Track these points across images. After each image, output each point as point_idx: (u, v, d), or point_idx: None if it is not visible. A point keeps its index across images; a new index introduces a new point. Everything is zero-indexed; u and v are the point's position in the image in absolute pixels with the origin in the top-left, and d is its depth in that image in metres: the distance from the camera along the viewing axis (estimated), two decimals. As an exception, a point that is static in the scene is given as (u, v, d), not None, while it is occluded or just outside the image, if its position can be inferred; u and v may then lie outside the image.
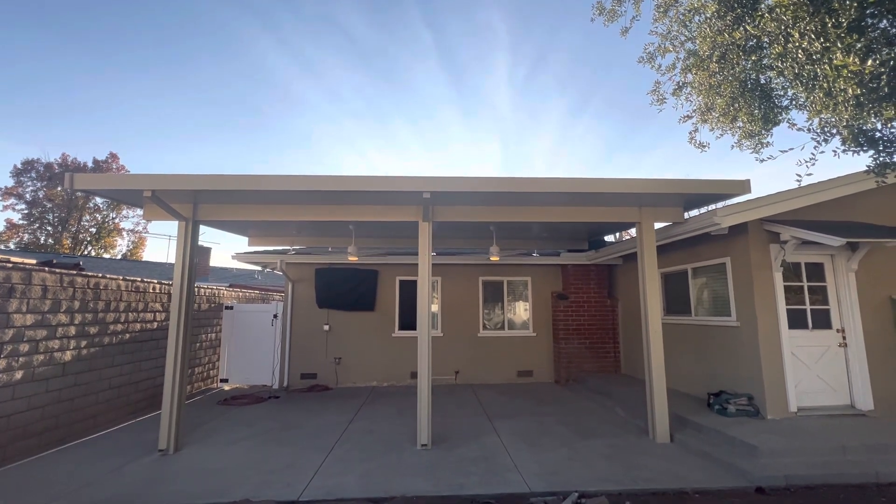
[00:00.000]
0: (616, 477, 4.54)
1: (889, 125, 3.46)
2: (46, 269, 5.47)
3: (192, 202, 5.72)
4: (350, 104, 52.11)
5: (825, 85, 2.87)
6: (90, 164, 31.28)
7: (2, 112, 37.84)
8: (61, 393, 5.68)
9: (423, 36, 43.17)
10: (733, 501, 4.05)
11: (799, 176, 3.73)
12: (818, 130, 3.59)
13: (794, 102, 4.23)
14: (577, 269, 9.99)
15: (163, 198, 5.30)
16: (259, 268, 12.00)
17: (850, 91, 2.70)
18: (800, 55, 3.26)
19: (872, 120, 3.00)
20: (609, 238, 10.39)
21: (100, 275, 6.42)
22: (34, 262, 5.54)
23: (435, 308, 10.15)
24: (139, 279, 7.29)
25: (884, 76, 3.03)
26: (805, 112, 4.09)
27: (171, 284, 6.15)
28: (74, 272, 5.87)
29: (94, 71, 41.63)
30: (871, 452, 4.78)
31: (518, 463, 4.94)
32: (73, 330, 5.87)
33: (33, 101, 40.07)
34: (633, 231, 8.53)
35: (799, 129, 4.09)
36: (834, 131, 3.40)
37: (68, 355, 5.80)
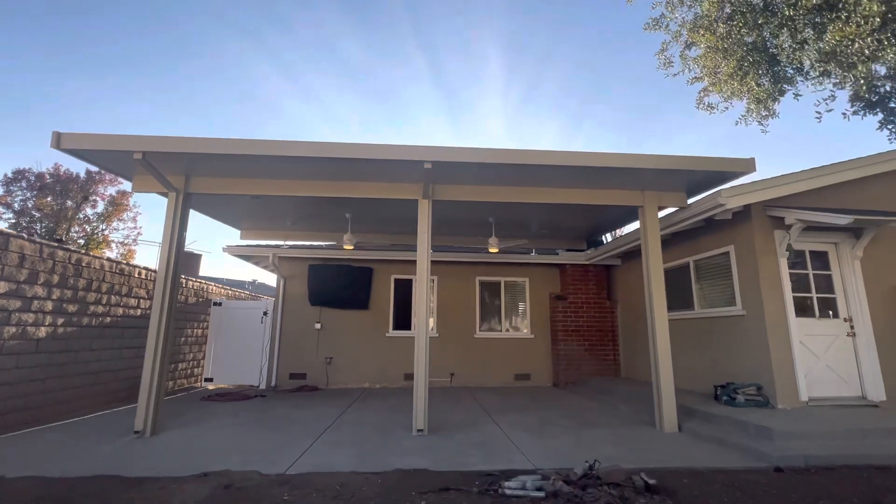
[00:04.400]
0: (626, 459, 4.26)
1: None
2: (25, 235, 5.20)
3: (184, 173, 5.54)
4: (345, 125, 52.81)
5: (844, 14, 2.82)
6: (82, 175, 31.02)
7: (-4, 122, 37.65)
8: (33, 371, 5.30)
9: (417, 60, 44.25)
10: (753, 478, 3.79)
11: (818, 114, 3.67)
12: (826, 71, 3.51)
13: (799, 70, 4.20)
14: (575, 269, 9.83)
15: (154, 163, 5.10)
16: (251, 268, 11.68)
17: (875, 7, 2.64)
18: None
19: (890, 56, 2.95)
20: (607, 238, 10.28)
21: (82, 251, 6.14)
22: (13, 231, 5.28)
23: (431, 308, 9.89)
24: (124, 262, 7.00)
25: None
26: (809, 83, 4.08)
27: (157, 272, 5.83)
28: (55, 244, 5.59)
29: (90, 83, 41.88)
30: (891, 437, 4.56)
31: (521, 447, 4.64)
32: (49, 305, 5.55)
33: (27, 110, 40.00)
34: (628, 228, 8.44)
35: (801, 97, 4.05)
36: (846, 84, 3.36)
37: (43, 331, 5.45)
